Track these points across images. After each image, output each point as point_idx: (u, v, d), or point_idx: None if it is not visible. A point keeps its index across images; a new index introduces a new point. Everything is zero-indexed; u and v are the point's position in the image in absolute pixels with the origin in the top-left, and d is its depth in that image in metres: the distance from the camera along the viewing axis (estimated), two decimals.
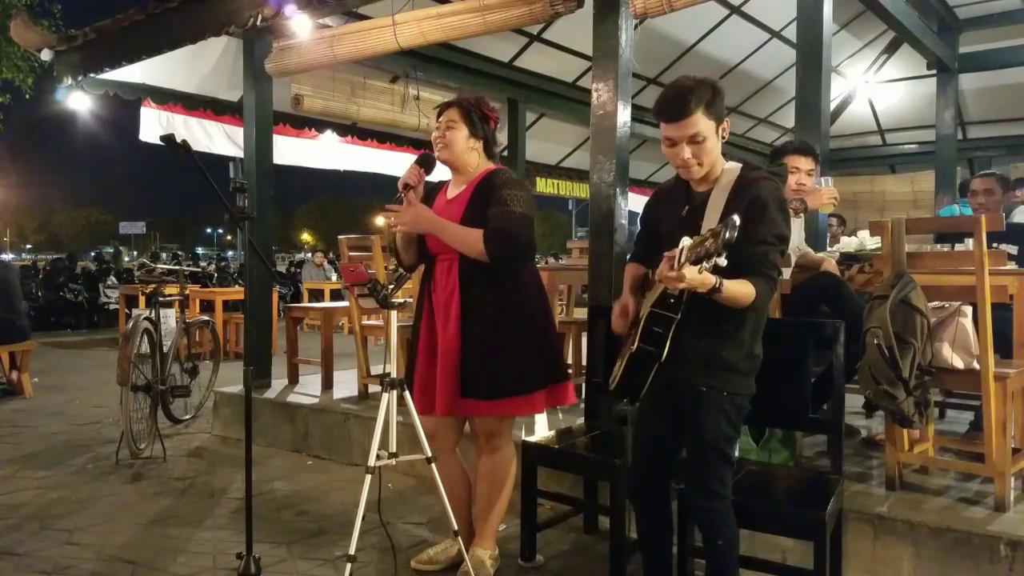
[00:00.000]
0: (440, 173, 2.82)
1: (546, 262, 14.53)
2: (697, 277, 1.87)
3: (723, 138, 2.16)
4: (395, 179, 2.76)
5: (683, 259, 1.86)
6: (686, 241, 1.88)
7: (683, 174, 2.20)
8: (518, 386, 2.65)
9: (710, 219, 2.10)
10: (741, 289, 1.99)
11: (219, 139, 6.59)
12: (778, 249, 2.07)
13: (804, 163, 3.41)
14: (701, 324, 2.09)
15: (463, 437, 2.92)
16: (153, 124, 6.13)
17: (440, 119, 2.76)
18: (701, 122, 2.08)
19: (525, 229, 2.61)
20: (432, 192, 2.85)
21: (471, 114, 2.73)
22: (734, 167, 2.18)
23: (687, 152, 2.11)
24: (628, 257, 2.54)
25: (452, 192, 2.80)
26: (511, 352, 2.63)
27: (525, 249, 2.66)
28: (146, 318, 4.77)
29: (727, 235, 1.77)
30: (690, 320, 2.08)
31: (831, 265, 3.42)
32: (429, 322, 2.76)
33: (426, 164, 2.75)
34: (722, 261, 1.81)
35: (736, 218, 1.80)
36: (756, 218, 2.03)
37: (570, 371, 5.00)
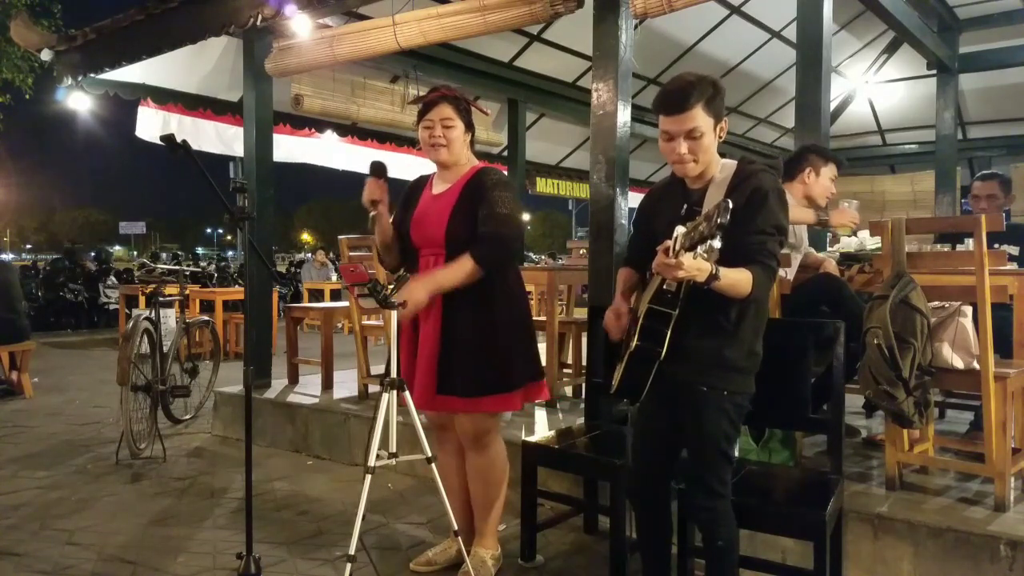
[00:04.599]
0: (424, 167, 2.79)
1: (546, 262, 14.56)
2: (693, 263, 1.86)
3: (720, 138, 2.15)
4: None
5: (678, 246, 1.85)
6: (680, 229, 1.88)
7: (678, 171, 2.19)
8: (498, 384, 2.64)
9: None
10: (739, 276, 1.98)
11: (215, 138, 6.58)
12: (776, 239, 2.07)
13: (832, 171, 3.52)
14: (701, 322, 2.09)
15: None
16: (149, 122, 6.14)
17: (430, 116, 2.68)
18: (700, 117, 2.08)
19: (514, 232, 2.64)
20: (415, 189, 2.83)
21: (461, 108, 2.71)
22: (730, 163, 2.18)
23: (683, 147, 2.10)
24: (623, 260, 2.50)
25: (438, 187, 2.76)
26: (494, 349, 2.62)
27: (514, 252, 2.71)
28: (146, 318, 4.77)
29: (720, 218, 1.76)
30: (690, 318, 2.07)
31: (831, 266, 3.43)
32: (412, 317, 2.74)
33: (381, 172, 2.72)
34: (716, 243, 1.80)
35: (729, 201, 1.79)
36: (756, 208, 2.03)
37: (570, 371, 5.07)
